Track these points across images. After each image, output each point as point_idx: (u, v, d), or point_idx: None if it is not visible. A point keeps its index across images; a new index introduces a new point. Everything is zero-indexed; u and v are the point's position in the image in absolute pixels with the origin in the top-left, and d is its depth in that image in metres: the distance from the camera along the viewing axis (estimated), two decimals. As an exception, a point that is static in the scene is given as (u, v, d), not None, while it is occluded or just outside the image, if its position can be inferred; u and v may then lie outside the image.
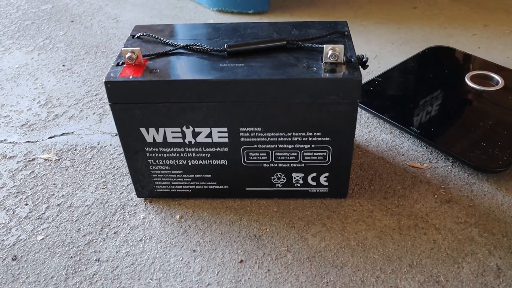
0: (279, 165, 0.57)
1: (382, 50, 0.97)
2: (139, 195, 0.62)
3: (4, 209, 0.62)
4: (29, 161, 0.70)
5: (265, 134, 0.54)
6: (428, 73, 0.82)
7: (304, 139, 0.55)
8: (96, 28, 1.10)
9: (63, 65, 0.95)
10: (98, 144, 0.73)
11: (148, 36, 0.58)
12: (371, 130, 0.74)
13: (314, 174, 0.58)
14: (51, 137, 0.75)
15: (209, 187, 0.60)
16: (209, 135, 0.55)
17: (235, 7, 1.14)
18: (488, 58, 0.86)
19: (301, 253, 0.55)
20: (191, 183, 0.60)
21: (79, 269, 0.54)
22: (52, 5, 1.22)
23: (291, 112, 0.52)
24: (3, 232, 0.59)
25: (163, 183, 0.60)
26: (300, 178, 0.59)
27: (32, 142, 0.74)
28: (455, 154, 0.65)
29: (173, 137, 0.55)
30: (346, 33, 0.58)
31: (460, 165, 0.66)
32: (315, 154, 0.56)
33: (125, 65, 0.53)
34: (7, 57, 0.98)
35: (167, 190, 0.61)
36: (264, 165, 0.57)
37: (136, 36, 0.59)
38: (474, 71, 0.81)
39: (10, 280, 0.53)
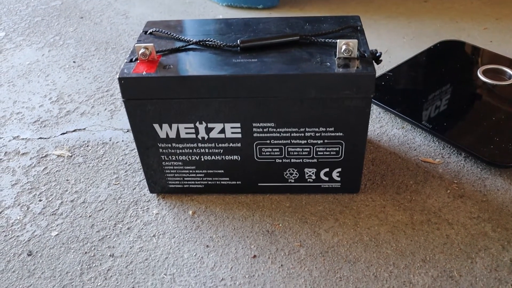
0: (292, 160, 0.57)
1: (393, 44, 0.96)
2: (151, 191, 0.62)
3: (19, 205, 0.63)
4: (42, 157, 0.71)
5: (278, 130, 0.54)
6: (440, 68, 0.82)
7: (317, 134, 0.55)
8: (105, 24, 1.10)
9: (74, 62, 0.95)
10: (110, 140, 0.73)
11: (161, 32, 0.58)
12: (382, 125, 0.73)
13: (327, 169, 0.58)
14: (63, 133, 0.75)
15: (222, 182, 0.60)
16: (222, 131, 0.55)
17: (244, 2, 1.14)
18: (500, 52, 0.85)
19: (314, 248, 0.55)
20: (203, 178, 0.60)
21: (94, 265, 0.54)
22: (61, 1, 1.23)
23: (304, 108, 0.52)
24: (18, 228, 0.59)
25: (176, 178, 0.60)
26: (313, 173, 0.59)
27: (45, 138, 0.75)
28: (468, 148, 0.64)
29: (186, 133, 0.55)
30: (359, 27, 0.57)
31: (473, 160, 0.66)
32: (328, 149, 0.56)
33: (138, 61, 0.53)
34: (18, 54, 0.99)
35: (179, 186, 0.61)
36: (277, 160, 0.58)
37: (148, 32, 0.59)
38: (486, 65, 0.80)
39: (26, 275, 0.54)
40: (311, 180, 0.60)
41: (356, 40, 0.51)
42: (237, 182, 0.60)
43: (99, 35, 1.05)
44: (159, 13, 1.14)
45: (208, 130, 0.55)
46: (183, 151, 0.57)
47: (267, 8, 1.14)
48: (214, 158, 0.58)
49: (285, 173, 0.59)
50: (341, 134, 0.54)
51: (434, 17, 1.06)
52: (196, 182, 0.61)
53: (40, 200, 0.63)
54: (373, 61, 0.52)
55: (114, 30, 1.07)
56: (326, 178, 0.59)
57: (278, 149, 0.56)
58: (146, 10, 1.16)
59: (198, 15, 1.13)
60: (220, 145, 0.56)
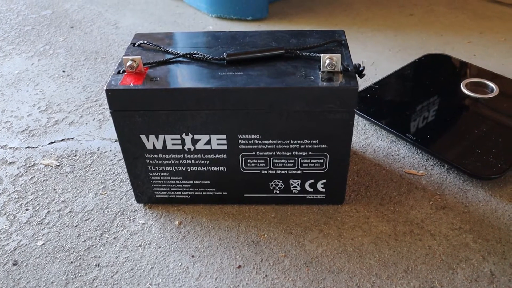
0: (277, 172, 0.58)
1: (379, 57, 0.98)
2: (138, 201, 0.63)
3: (5, 214, 0.63)
4: (29, 166, 0.71)
5: (263, 142, 0.55)
6: (424, 80, 0.83)
7: (301, 146, 0.56)
8: (95, 34, 1.11)
9: (63, 71, 0.96)
10: (98, 150, 0.74)
11: (149, 44, 0.59)
12: (367, 136, 0.75)
13: (312, 181, 0.59)
14: (51, 143, 0.76)
15: (208, 193, 0.61)
16: (208, 142, 0.56)
17: (234, 14, 1.15)
18: (483, 66, 0.87)
19: (298, 258, 0.56)
20: (190, 189, 0.61)
21: (79, 274, 0.55)
22: (52, 10, 1.23)
23: (289, 120, 0.53)
24: (3, 237, 0.59)
25: (163, 189, 0.61)
26: (298, 184, 0.60)
27: (33, 147, 0.75)
28: (451, 161, 0.66)
29: (173, 144, 0.56)
30: (343, 42, 0.59)
31: (455, 171, 0.67)
32: (312, 161, 0.57)
33: (125, 73, 0.54)
34: (7, 63, 0.99)
35: (166, 196, 0.62)
36: (262, 171, 0.58)
37: (136, 44, 0.60)
38: (469, 78, 0.82)
39: (11, 285, 0.54)
40: (296, 191, 0.60)
41: (339, 55, 0.52)
42: (223, 193, 0.61)
43: (89, 45, 1.06)
44: (149, 24, 1.15)
45: (194, 142, 0.56)
46: (170, 162, 0.58)
47: (256, 20, 1.15)
48: (200, 169, 0.58)
49: (270, 184, 0.60)
50: (325, 146, 0.55)
51: (420, 30, 1.08)
52: (182, 193, 0.61)
53: (27, 210, 0.63)
54: (356, 75, 0.53)
55: (104, 40, 1.08)
56: (311, 190, 0.60)
57: (263, 161, 0.57)
58: (137, 21, 1.17)
59: (188, 26, 1.14)
60: (206, 156, 0.57)
